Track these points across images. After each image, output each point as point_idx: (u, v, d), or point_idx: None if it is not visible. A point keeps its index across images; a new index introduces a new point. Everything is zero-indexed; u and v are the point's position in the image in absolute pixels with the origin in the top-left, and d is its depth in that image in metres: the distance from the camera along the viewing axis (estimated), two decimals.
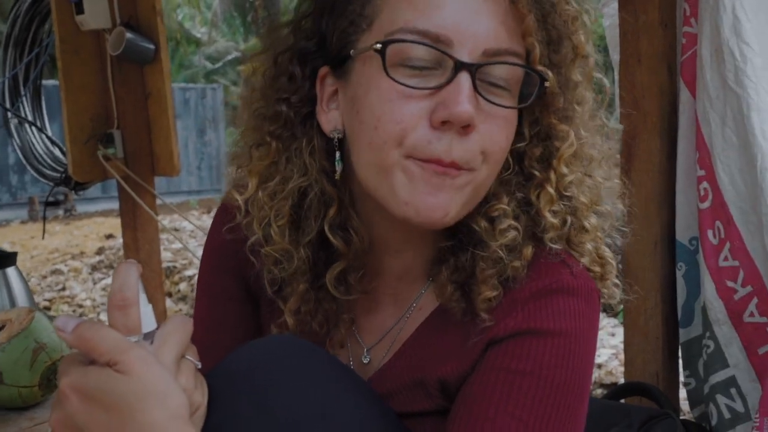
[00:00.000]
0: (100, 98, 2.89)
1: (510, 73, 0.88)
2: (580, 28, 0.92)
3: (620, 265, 1.06)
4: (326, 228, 0.95)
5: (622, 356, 1.87)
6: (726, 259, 1.65)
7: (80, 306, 7.20)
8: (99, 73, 2.89)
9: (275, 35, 0.98)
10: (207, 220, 11.47)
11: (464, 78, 0.84)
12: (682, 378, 1.87)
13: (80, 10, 2.78)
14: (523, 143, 0.93)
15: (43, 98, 3.60)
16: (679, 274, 1.79)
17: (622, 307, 4.64)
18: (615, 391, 1.82)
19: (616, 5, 1.93)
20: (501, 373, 0.90)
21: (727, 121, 1.60)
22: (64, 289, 7.82)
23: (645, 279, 1.81)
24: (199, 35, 20.32)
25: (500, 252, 0.91)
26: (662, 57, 1.75)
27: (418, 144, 0.85)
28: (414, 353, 0.98)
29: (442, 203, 0.86)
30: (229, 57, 20.43)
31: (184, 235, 8.95)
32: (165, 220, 5.23)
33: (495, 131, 0.87)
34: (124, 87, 2.91)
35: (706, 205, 1.67)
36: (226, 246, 1.05)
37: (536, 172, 0.94)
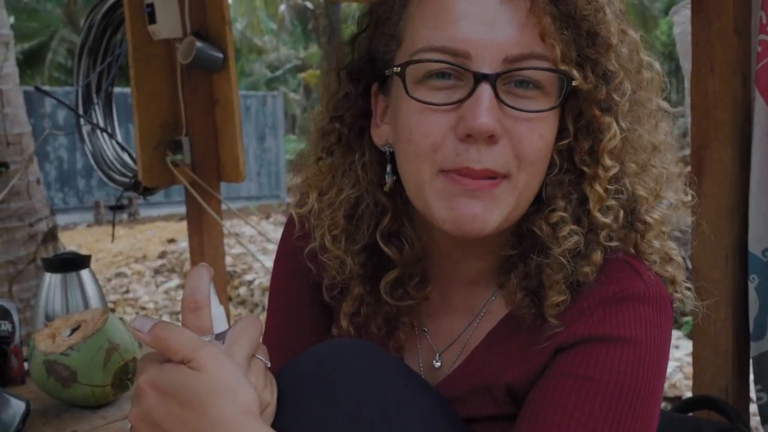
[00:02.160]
0: (169, 105, 2.97)
1: (538, 74, 0.88)
2: (609, 19, 0.91)
3: (690, 276, 1.04)
4: (378, 237, 0.99)
5: (686, 369, 1.84)
6: None
7: (143, 308, 7.38)
8: (169, 80, 2.97)
9: (338, 53, 1.02)
10: (266, 226, 11.65)
11: (484, 90, 0.85)
12: (752, 393, 1.83)
13: (153, 20, 2.87)
14: (568, 139, 0.93)
15: (114, 105, 3.71)
16: (751, 286, 1.75)
17: (686, 319, 4.54)
18: (683, 404, 1.78)
19: (687, 13, 1.90)
20: (569, 379, 0.90)
21: None
22: (127, 291, 8.02)
23: (716, 291, 1.77)
24: (260, 43, 20.63)
25: (565, 257, 0.91)
26: (736, 65, 1.72)
27: (448, 156, 0.87)
28: (483, 359, 0.98)
29: (479, 214, 0.87)
30: (289, 65, 20.70)
31: (244, 240, 9.09)
32: (226, 224, 5.34)
33: (526, 134, 0.88)
34: (193, 95, 2.98)
35: None
36: (295, 252, 1.09)
37: (586, 168, 0.93)
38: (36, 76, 18.31)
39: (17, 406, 1.73)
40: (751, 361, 1.79)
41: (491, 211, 0.88)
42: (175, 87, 2.97)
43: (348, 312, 1.03)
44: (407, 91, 0.89)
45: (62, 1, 17.66)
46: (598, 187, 0.92)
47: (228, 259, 7.53)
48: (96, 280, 2.21)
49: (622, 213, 0.94)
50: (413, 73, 0.89)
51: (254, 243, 8.70)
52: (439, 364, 1.02)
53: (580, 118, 0.92)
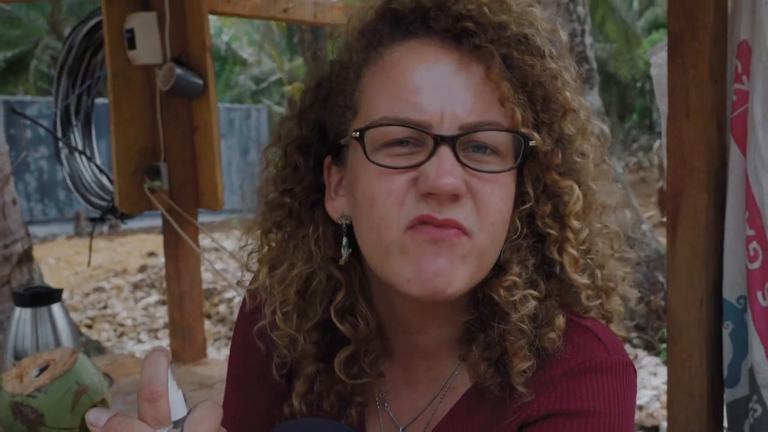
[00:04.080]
0: (148, 131, 2.95)
1: (495, 138, 0.89)
2: (564, 85, 0.92)
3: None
4: (332, 313, 0.97)
5: (663, 398, 1.84)
6: None
7: (121, 325, 7.31)
8: (148, 106, 2.95)
9: (284, 127, 1.01)
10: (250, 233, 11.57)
11: (445, 151, 0.86)
12: None
13: (132, 46, 2.85)
14: (530, 203, 0.93)
15: (93, 127, 3.68)
16: (725, 332, 1.75)
17: (663, 346, 4.56)
18: None
19: (664, 55, 1.91)
20: None
21: None
22: (106, 307, 7.94)
23: (690, 336, 1.77)
24: (245, 56, 20.62)
25: (524, 323, 0.90)
26: (711, 112, 1.72)
27: (411, 210, 0.87)
28: None
29: (443, 270, 0.86)
30: (273, 78, 20.69)
31: (225, 255, 9.04)
32: (205, 240, 5.26)
33: (488, 194, 0.88)
34: (172, 121, 2.96)
35: (755, 265, 1.63)
36: (248, 328, 1.06)
37: (551, 231, 0.93)
38: (19, 84, 18.20)
39: None
40: (725, 407, 1.79)
41: (456, 268, 0.87)
42: (153, 113, 2.94)
43: (301, 392, 1.01)
44: (367, 156, 0.89)
45: (46, 9, 17.56)
46: (571, 250, 0.93)
47: (208, 276, 7.48)
48: (68, 315, 2.18)
49: (597, 272, 0.95)
50: (372, 141, 0.89)
51: (235, 259, 8.64)
52: None
53: (538, 183, 0.93)
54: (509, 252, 0.93)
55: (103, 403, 1.78)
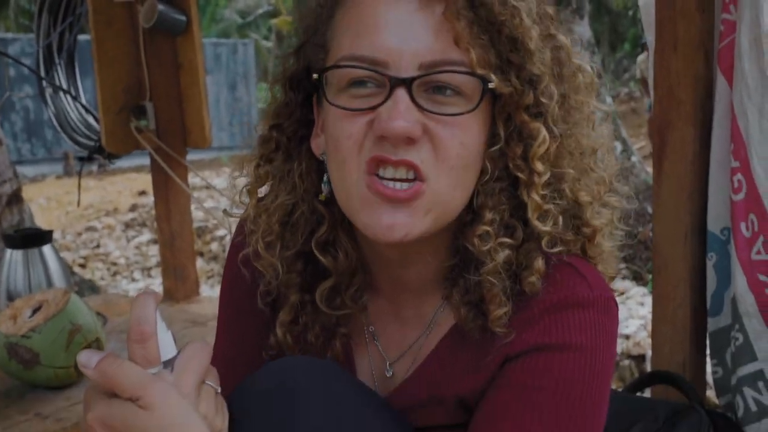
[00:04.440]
0: (132, 70, 2.90)
1: (456, 78, 0.88)
2: (531, 24, 0.91)
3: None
4: (314, 245, 0.99)
5: (650, 328, 1.87)
6: (759, 252, 1.63)
7: (114, 264, 7.34)
8: (132, 44, 2.89)
9: (279, 62, 1.02)
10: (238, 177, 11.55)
11: (400, 93, 0.86)
12: (709, 367, 1.87)
13: None
14: (499, 144, 0.92)
15: (77, 65, 3.62)
16: (709, 263, 1.78)
17: (651, 276, 4.63)
18: (641, 379, 1.82)
19: None
20: (517, 390, 0.91)
21: (765, 114, 1.57)
22: (98, 246, 7.97)
23: (675, 269, 1.80)
24: None
25: (498, 271, 0.91)
26: (699, 44, 1.71)
27: (367, 153, 0.88)
28: (433, 370, 0.99)
29: (399, 223, 0.88)
30: (260, 11, 20.30)
31: (215, 193, 9.03)
32: (196, 178, 5.24)
33: (447, 138, 0.88)
34: (156, 59, 2.91)
35: (740, 197, 1.64)
36: (235, 257, 1.08)
37: (521, 174, 0.92)
38: (0, 21, 17.81)
39: None
40: (708, 336, 1.82)
41: (412, 219, 0.88)
42: (137, 51, 2.89)
43: (285, 321, 1.03)
44: (327, 99, 0.90)
45: None
46: (534, 195, 0.92)
47: (199, 214, 7.48)
48: (59, 256, 2.19)
49: (561, 219, 0.94)
50: (335, 81, 0.90)
51: (226, 197, 8.64)
52: (390, 373, 1.03)
53: (509, 123, 0.92)
54: (483, 196, 0.93)
55: (97, 342, 1.81)
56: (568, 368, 0.90)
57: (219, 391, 0.81)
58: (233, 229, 1.13)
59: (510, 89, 0.89)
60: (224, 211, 1.09)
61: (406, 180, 0.88)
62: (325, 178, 0.97)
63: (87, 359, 0.74)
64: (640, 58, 9.48)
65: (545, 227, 0.92)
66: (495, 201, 0.93)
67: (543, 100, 0.91)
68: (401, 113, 0.85)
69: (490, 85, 0.88)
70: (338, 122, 0.89)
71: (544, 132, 0.91)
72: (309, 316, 1.03)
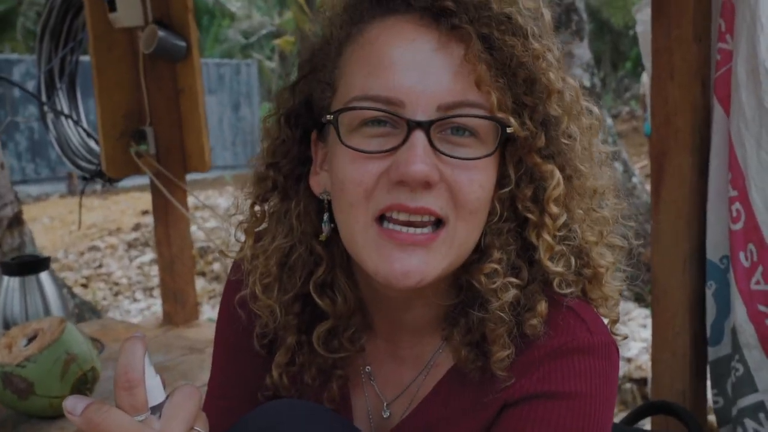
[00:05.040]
0: (132, 95, 2.91)
1: (473, 122, 0.86)
2: (549, 66, 0.90)
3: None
4: (312, 288, 0.97)
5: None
6: (758, 282, 1.62)
7: (116, 284, 7.33)
8: (132, 70, 2.90)
9: (280, 97, 1.00)
10: (241, 196, 11.55)
11: (418, 137, 0.84)
12: (709, 395, 1.85)
13: (113, 8, 2.79)
14: (509, 187, 0.91)
15: (78, 90, 3.64)
16: (708, 292, 1.77)
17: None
18: (641, 409, 1.80)
19: (649, 11, 1.89)
20: None
21: (763, 144, 1.57)
22: (101, 266, 7.96)
23: (674, 296, 1.79)
24: (234, 9, 20.31)
25: (504, 311, 0.89)
26: (695, 73, 1.71)
27: (381, 199, 0.86)
28: (431, 412, 0.98)
29: (415, 269, 0.86)
30: (264, 31, 20.42)
31: (218, 213, 9.03)
32: (200, 196, 5.24)
33: (465, 183, 0.86)
34: (156, 84, 2.92)
35: (738, 226, 1.64)
36: (231, 298, 1.06)
37: (531, 216, 0.91)
38: (5, 42, 17.92)
39: None
40: (708, 365, 1.81)
41: (432, 263, 0.86)
42: (137, 76, 2.90)
43: (281, 362, 1.01)
44: (341, 139, 0.88)
45: None
46: (546, 236, 0.90)
47: (201, 234, 7.48)
48: (56, 282, 2.18)
49: (573, 260, 0.93)
50: (347, 121, 0.88)
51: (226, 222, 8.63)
52: (387, 414, 1.02)
53: (520, 166, 0.91)
54: (490, 236, 0.91)
55: (93, 371, 1.80)
56: (567, 417, 0.88)
57: None
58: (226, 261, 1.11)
59: (526, 133, 0.88)
60: (220, 251, 1.08)
61: (422, 224, 0.86)
62: (325, 217, 0.95)
63: (73, 406, 0.73)
64: (644, 76, 9.51)
65: (557, 268, 0.91)
66: (503, 241, 0.91)
67: (563, 141, 0.91)
68: (421, 157, 0.83)
69: (509, 130, 0.87)
70: (349, 165, 0.87)
71: (558, 174, 0.90)
72: (305, 356, 1.01)
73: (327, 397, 1.02)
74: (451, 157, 0.86)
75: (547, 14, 0.93)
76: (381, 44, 0.88)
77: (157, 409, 0.76)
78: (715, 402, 1.81)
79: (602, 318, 0.96)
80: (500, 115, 0.86)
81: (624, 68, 22.19)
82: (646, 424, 1.86)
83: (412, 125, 0.84)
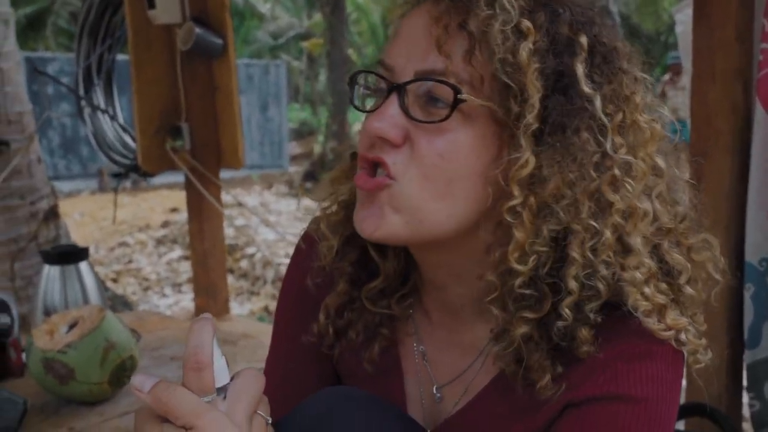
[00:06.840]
0: (169, 91, 2.95)
1: (441, 90, 0.85)
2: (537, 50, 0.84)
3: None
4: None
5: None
6: None
7: (146, 279, 7.41)
8: (169, 66, 2.95)
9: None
10: (268, 196, 11.65)
11: (391, 98, 0.87)
12: (745, 399, 1.84)
13: (152, 5, 2.84)
14: (528, 167, 0.83)
15: (114, 86, 3.69)
16: (747, 294, 1.76)
17: None
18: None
19: (689, 11, 1.88)
20: None
21: None
22: (130, 261, 8.05)
23: (712, 299, 1.78)
24: (263, 11, 20.44)
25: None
26: (737, 74, 1.70)
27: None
28: (488, 406, 0.96)
29: (369, 218, 0.88)
30: (292, 33, 20.52)
31: (246, 211, 9.10)
32: (227, 196, 5.27)
33: (424, 146, 0.86)
34: (193, 81, 2.96)
35: None
36: (299, 276, 1.07)
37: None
38: (39, 41, 18.18)
39: (15, 405, 1.75)
40: (745, 368, 1.80)
41: (379, 215, 0.88)
42: (174, 73, 2.94)
43: (331, 305, 1.02)
44: (351, 101, 0.94)
45: None
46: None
47: (230, 231, 7.53)
48: (94, 272, 2.22)
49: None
50: (360, 83, 0.94)
51: (256, 215, 8.70)
52: (439, 396, 1.01)
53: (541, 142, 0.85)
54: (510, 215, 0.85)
55: (131, 360, 1.83)
56: (632, 421, 0.86)
57: (269, 422, 0.81)
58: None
59: (489, 103, 0.85)
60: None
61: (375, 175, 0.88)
62: None
63: (141, 383, 0.74)
64: (665, 78, 9.50)
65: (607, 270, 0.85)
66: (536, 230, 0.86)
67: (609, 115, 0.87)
68: (382, 115, 0.86)
69: (460, 96, 0.84)
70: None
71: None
72: (354, 313, 1.02)
73: (367, 357, 1.02)
74: (414, 119, 0.86)
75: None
76: (401, 21, 0.92)
77: (222, 391, 0.77)
78: (751, 406, 1.79)
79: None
80: (450, 81, 0.84)
81: (655, 74, 22.01)
82: (680, 426, 1.85)
83: (391, 88, 0.88)
